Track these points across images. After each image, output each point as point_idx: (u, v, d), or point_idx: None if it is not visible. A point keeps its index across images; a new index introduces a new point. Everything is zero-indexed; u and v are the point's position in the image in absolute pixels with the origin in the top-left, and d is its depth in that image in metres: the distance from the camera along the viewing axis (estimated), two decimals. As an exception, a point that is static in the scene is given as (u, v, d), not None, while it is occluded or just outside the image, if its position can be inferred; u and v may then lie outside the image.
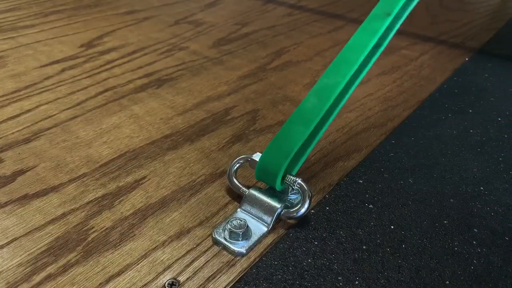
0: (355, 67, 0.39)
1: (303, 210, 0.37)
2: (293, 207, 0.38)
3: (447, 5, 1.04)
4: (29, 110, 0.52)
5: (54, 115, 0.52)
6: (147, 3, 0.91)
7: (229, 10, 0.91)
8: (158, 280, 0.32)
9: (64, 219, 0.37)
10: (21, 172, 0.42)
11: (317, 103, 0.38)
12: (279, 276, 0.33)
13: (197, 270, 0.33)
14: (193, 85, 0.60)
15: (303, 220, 0.39)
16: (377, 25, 0.40)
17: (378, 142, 0.50)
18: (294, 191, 0.40)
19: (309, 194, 0.37)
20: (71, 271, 0.33)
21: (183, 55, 0.69)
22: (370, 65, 0.43)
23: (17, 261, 0.33)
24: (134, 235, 0.36)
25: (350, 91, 0.42)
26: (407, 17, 0.44)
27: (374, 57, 0.43)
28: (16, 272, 0.32)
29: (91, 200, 0.39)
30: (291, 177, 0.38)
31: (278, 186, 0.39)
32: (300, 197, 0.38)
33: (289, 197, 0.40)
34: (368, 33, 0.40)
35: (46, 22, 0.78)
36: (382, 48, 0.43)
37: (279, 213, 0.37)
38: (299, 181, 0.38)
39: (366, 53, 0.40)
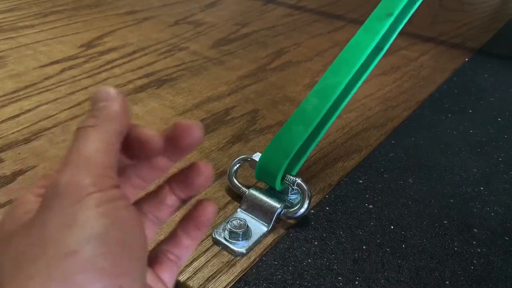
0: (356, 67, 0.39)
1: (302, 210, 0.37)
2: (293, 207, 0.38)
3: (447, 6, 1.04)
4: (29, 110, 0.52)
5: (54, 115, 0.52)
6: (147, 3, 0.91)
7: (229, 10, 0.91)
8: (158, 280, 0.32)
9: (64, 219, 0.37)
10: (21, 172, 0.42)
11: (318, 103, 0.38)
12: (279, 276, 0.33)
13: (197, 270, 0.33)
14: (193, 85, 0.60)
15: (303, 220, 0.38)
16: (379, 25, 0.40)
17: (378, 142, 0.50)
18: (294, 191, 0.40)
19: (308, 194, 0.37)
20: (71, 271, 0.32)
21: (183, 56, 0.69)
22: (372, 66, 0.42)
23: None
24: (134, 235, 0.36)
25: (352, 92, 0.42)
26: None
27: (377, 58, 0.43)
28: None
29: (91, 200, 0.39)
30: (291, 177, 0.38)
31: (278, 186, 0.39)
32: (300, 197, 0.38)
33: (289, 197, 0.40)
34: (369, 34, 0.40)
35: (46, 22, 0.78)
36: (384, 50, 0.43)
37: (279, 213, 0.37)
38: (299, 181, 0.38)
39: (367, 53, 0.40)
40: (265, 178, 0.39)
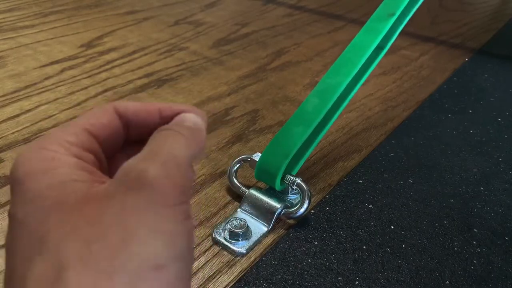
0: (357, 67, 0.39)
1: (302, 210, 0.37)
2: (293, 207, 0.38)
3: (447, 6, 1.04)
4: (29, 110, 0.52)
5: (54, 115, 0.52)
6: (147, 3, 0.91)
7: (229, 10, 0.91)
8: (158, 280, 0.32)
9: (64, 219, 0.37)
10: (21, 172, 0.42)
11: (318, 104, 0.38)
12: (279, 276, 0.33)
13: (197, 270, 0.33)
14: (193, 85, 0.60)
15: (303, 220, 0.38)
16: (380, 25, 0.40)
17: (378, 142, 0.50)
18: (294, 191, 0.40)
19: (308, 194, 0.37)
20: (71, 271, 0.32)
21: (183, 56, 0.69)
22: (373, 66, 0.42)
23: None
24: (134, 235, 0.36)
25: (353, 92, 0.42)
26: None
27: (378, 58, 0.43)
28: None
29: (91, 200, 0.39)
30: (291, 177, 0.38)
31: (277, 186, 0.39)
32: (300, 197, 0.38)
33: (289, 197, 0.40)
34: (371, 34, 0.40)
35: (46, 22, 0.78)
36: (385, 50, 0.43)
37: (279, 213, 0.37)
38: (299, 181, 0.38)
39: (368, 53, 0.40)
40: (265, 178, 0.39)
